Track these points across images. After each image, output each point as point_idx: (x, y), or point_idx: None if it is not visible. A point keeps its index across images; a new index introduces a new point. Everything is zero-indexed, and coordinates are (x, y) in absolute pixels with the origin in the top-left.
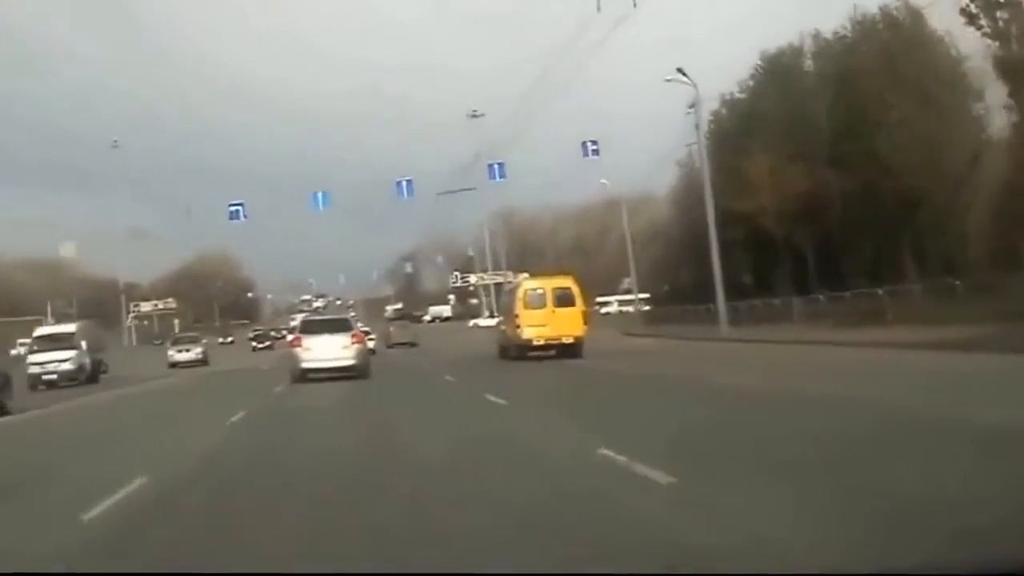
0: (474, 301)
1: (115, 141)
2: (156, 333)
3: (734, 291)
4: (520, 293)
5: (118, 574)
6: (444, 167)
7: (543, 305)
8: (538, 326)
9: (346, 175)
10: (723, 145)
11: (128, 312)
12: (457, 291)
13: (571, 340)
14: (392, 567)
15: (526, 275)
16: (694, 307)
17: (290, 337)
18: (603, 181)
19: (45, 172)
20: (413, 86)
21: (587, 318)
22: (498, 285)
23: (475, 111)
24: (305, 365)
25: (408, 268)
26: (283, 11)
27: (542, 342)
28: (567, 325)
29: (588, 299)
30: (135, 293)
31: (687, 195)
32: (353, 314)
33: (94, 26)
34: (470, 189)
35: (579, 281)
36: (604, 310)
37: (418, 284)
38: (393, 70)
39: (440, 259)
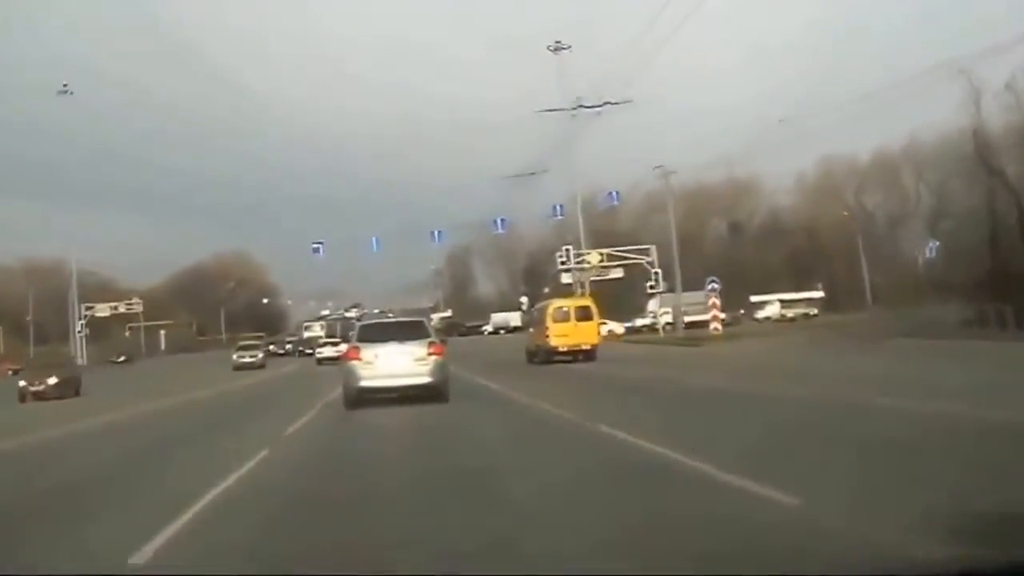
0: None
1: (65, 85)
2: (137, 347)
3: None
4: (550, 310)
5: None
6: None
7: (567, 319)
8: (562, 336)
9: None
10: None
11: (80, 317)
12: (548, 283)
13: (588, 347)
14: None
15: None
16: None
17: (344, 347)
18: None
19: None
20: None
21: (599, 330)
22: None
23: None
24: (365, 384)
25: (495, 230)
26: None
27: (565, 348)
28: (585, 335)
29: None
30: (123, 297)
31: None
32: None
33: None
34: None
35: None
36: (761, 314)
37: (471, 287)
38: None
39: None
